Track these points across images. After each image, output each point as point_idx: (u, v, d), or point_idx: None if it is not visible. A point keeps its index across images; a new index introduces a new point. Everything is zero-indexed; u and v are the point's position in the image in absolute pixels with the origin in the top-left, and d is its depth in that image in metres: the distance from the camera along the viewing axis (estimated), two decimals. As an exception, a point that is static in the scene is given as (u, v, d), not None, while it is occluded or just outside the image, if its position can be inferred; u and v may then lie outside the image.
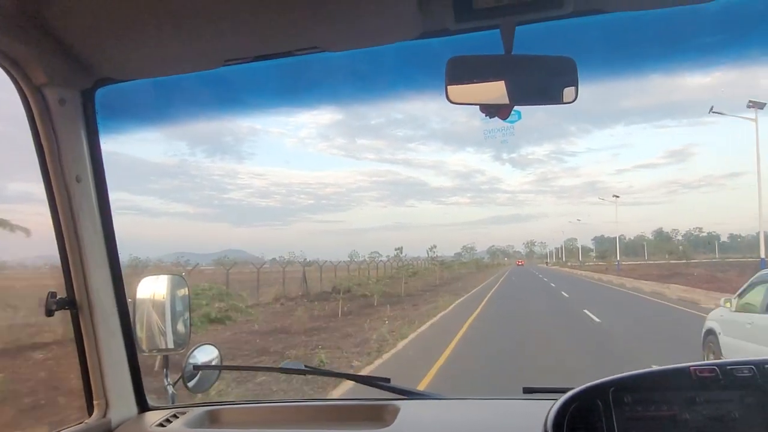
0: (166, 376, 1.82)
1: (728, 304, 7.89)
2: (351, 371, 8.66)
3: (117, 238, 1.64)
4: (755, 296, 7.37)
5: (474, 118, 1.27)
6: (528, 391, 1.70)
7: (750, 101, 25.34)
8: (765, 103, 25.11)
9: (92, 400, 1.59)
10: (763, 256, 22.74)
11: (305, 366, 1.86)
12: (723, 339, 7.79)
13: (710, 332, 8.12)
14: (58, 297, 1.53)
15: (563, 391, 1.39)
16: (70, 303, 1.55)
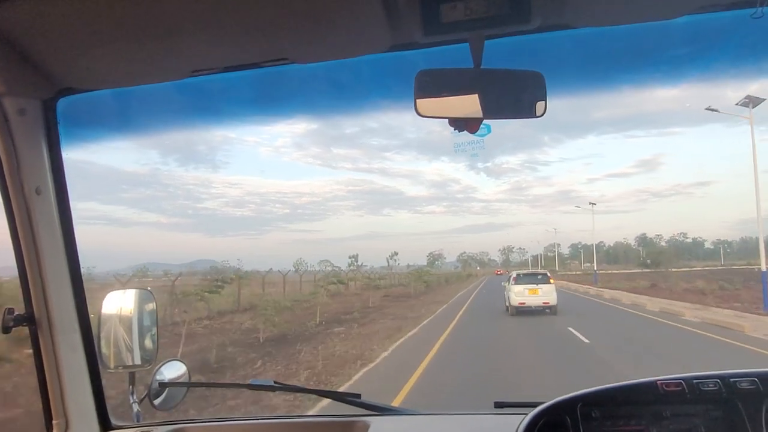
0: (132, 393, 1.77)
1: (506, 284, 21.83)
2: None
3: (80, 251, 1.59)
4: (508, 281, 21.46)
5: (448, 127, 1.27)
6: (499, 405, 1.69)
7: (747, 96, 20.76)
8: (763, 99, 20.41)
9: (51, 419, 1.53)
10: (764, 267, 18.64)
11: (275, 382, 1.83)
12: (505, 294, 21.05)
13: (505, 295, 21.43)
14: (15, 313, 1.48)
15: (534, 405, 1.39)
16: (28, 319, 1.50)
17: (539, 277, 20.43)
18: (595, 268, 53.92)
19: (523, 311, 19.24)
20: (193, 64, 1.39)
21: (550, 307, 19.40)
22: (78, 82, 1.45)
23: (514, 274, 21.30)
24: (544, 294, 19.50)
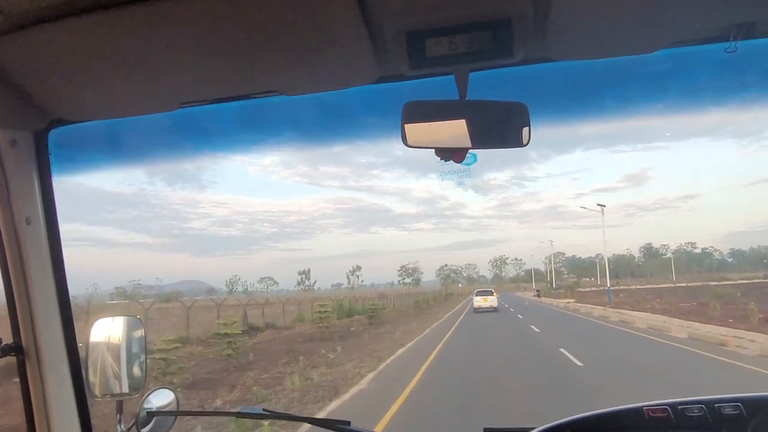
0: (120, 423, 1.74)
1: (472, 296, 44.71)
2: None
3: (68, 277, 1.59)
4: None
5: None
6: (489, 431, 1.69)
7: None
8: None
9: None
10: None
11: (264, 410, 1.81)
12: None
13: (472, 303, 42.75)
14: (3, 343, 1.47)
15: (523, 431, 1.40)
16: (16, 349, 1.49)
17: (488, 292, 39.90)
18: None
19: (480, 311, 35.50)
20: (182, 96, 1.41)
21: (494, 308, 36.37)
22: (69, 114, 1.47)
23: (475, 291, 42.09)
24: (491, 301, 37.25)
